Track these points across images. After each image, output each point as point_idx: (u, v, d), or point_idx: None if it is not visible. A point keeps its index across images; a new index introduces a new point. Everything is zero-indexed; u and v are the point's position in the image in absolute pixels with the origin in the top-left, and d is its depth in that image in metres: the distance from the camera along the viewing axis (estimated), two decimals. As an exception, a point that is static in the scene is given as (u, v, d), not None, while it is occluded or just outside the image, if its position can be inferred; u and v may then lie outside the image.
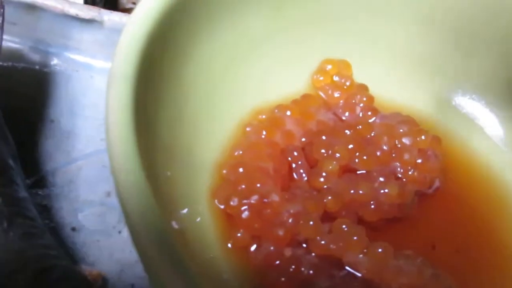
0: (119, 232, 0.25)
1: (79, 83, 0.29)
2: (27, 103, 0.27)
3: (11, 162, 0.21)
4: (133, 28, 0.20)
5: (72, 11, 0.28)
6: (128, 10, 0.35)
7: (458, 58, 0.28)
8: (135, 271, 0.24)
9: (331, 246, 0.23)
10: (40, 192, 0.25)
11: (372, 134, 0.27)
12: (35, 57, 0.29)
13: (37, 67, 0.29)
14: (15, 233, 0.19)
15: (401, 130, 0.27)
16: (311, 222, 0.23)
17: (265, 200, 0.23)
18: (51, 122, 0.28)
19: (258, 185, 0.24)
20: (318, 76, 0.29)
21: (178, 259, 0.17)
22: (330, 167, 0.25)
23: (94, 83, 0.29)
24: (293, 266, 0.23)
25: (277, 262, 0.23)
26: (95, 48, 0.29)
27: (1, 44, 0.23)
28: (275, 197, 0.23)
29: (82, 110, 0.28)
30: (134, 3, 0.36)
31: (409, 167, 0.26)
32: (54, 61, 0.29)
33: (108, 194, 0.26)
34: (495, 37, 0.27)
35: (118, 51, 0.20)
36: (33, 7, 0.28)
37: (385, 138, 0.26)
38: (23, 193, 0.21)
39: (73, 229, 0.25)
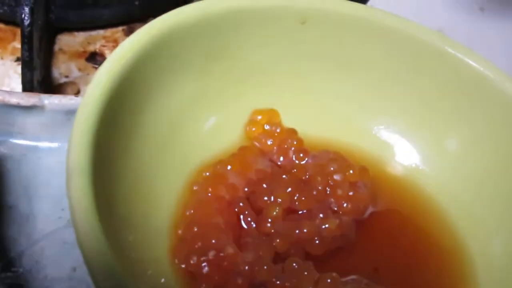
0: (92, 303, 0.27)
1: (28, 165, 0.31)
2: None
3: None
4: (82, 118, 0.23)
5: (13, 100, 0.30)
6: (62, 85, 0.37)
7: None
8: None
9: (286, 284, 0.26)
10: (10, 275, 0.27)
11: (307, 176, 0.30)
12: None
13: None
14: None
15: (331, 168, 0.30)
16: (265, 267, 0.26)
17: (221, 254, 0.26)
18: (9, 208, 0.29)
19: (213, 241, 0.26)
20: (251, 127, 0.32)
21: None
22: (274, 212, 0.28)
23: (42, 163, 0.31)
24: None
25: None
26: (38, 130, 0.31)
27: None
28: (230, 250, 0.26)
29: (36, 191, 0.30)
30: (67, 77, 0.37)
31: (343, 201, 0.29)
32: (1, 149, 0.31)
33: (74, 269, 0.28)
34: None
35: (71, 144, 0.22)
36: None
37: (319, 178, 0.29)
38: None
39: (47, 306, 0.27)
